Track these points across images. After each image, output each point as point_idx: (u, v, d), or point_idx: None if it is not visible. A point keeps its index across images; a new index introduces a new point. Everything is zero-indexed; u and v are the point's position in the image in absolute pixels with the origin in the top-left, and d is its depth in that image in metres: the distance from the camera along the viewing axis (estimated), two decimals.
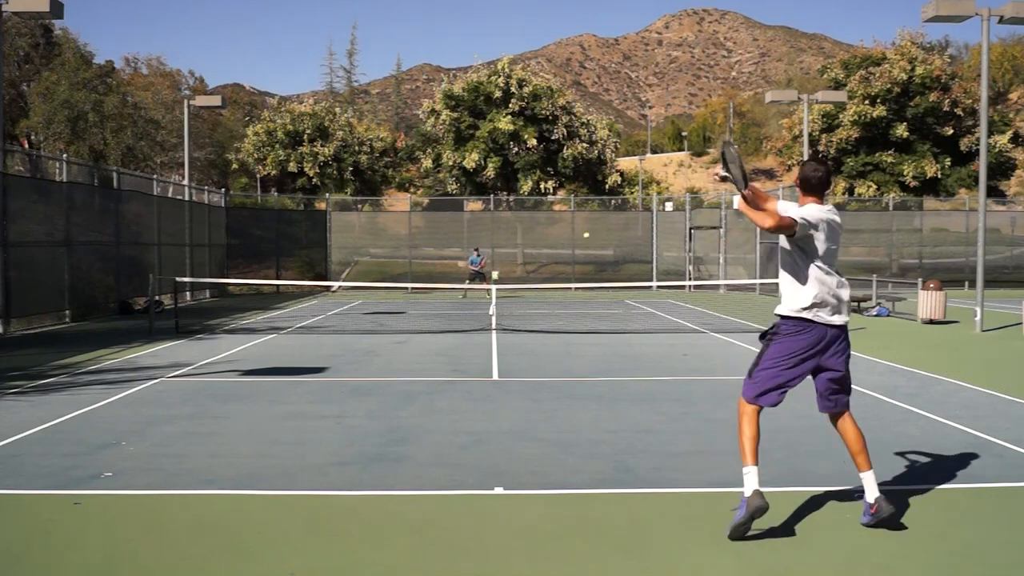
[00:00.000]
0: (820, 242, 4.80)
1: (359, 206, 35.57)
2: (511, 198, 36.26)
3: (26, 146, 31.89)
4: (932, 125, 37.57)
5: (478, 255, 26.94)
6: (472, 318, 18.77)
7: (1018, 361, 12.02)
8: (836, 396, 4.90)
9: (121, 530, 4.91)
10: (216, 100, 27.65)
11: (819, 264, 4.81)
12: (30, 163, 25.25)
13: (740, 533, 4.62)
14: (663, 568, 4.36)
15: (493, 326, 16.13)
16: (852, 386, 5.01)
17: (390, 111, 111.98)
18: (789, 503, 5.40)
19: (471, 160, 35.83)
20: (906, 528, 4.86)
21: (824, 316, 4.79)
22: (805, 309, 4.79)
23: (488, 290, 25.92)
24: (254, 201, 40.67)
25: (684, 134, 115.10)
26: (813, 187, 4.90)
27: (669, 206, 34.20)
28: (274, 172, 40.39)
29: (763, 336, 4.98)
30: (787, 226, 4.71)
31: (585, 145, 36.96)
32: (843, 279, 4.94)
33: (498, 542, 4.69)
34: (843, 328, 4.88)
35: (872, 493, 4.80)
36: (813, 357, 4.81)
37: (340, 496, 5.57)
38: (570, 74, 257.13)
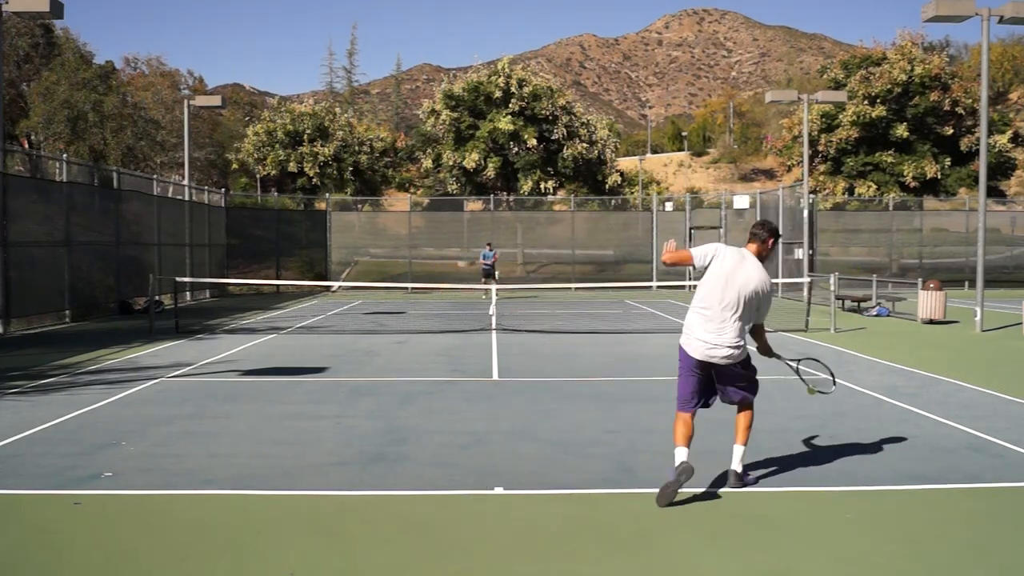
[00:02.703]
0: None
1: (359, 206, 35.55)
2: (511, 198, 36.25)
3: (26, 146, 31.85)
4: (932, 125, 37.54)
5: (490, 250, 26.33)
6: (472, 318, 18.76)
7: (1018, 361, 12.01)
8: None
9: (121, 530, 4.91)
10: (216, 100, 27.64)
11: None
12: (30, 163, 25.24)
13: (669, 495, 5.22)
14: (663, 568, 4.36)
15: (493, 326, 16.12)
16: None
17: (390, 111, 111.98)
18: (789, 503, 5.40)
19: (471, 160, 35.81)
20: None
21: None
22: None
23: (487, 290, 25.73)
24: (254, 201, 40.63)
25: (684, 134, 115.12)
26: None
27: (669, 206, 34.22)
28: (274, 172, 40.36)
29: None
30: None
31: (585, 145, 36.94)
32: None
33: (498, 542, 4.69)
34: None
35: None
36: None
37: (340, 496, 5.57)
38: (570, 74, 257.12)
